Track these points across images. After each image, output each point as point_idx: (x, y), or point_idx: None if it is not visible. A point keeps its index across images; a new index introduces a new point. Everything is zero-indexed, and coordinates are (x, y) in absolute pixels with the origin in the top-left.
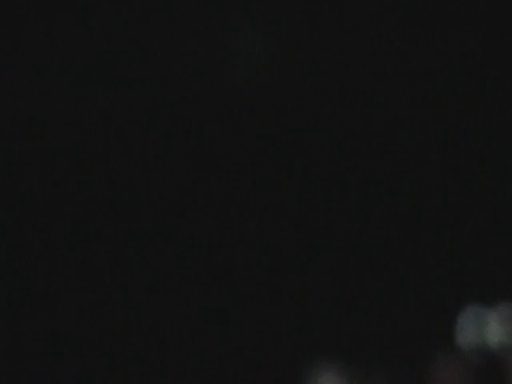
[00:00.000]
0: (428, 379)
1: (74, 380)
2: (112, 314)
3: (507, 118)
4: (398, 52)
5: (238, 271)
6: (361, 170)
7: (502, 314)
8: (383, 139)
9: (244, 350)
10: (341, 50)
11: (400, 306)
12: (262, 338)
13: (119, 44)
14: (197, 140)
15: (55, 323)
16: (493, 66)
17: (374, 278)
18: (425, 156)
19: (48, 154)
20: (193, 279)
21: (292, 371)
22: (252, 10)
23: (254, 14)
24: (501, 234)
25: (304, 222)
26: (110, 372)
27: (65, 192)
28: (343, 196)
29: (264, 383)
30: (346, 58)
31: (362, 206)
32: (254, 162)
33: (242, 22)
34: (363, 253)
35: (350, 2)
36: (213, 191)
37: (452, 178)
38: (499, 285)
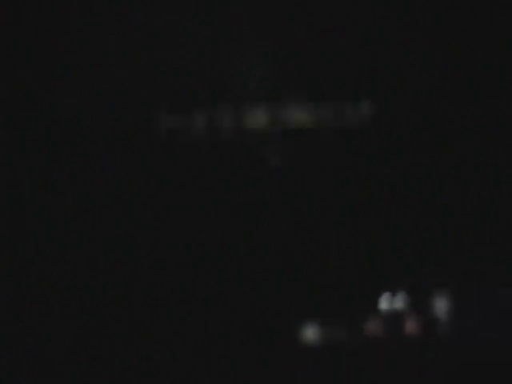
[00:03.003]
0: (366, 328)
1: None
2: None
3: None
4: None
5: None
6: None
7: (400, 297)
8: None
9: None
10: (340, 76)
11: (352, 292)
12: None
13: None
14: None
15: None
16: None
17: (345, 272)
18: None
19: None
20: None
21: (286, 329)
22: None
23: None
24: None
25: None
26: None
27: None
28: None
29: (266, 337)
30: (344, 85)
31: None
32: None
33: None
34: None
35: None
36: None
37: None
38: (399, 284)
